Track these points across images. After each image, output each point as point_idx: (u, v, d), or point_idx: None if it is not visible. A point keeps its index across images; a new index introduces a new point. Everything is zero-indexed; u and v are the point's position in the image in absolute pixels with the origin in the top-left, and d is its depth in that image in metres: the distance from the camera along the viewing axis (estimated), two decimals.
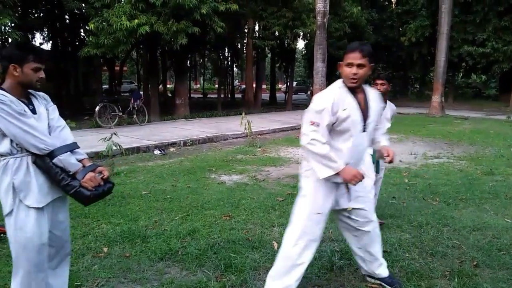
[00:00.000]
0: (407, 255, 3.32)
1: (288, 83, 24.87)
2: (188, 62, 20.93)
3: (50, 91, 19.80)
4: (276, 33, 18.22)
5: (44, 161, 2.07)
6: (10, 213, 2.06)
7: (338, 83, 2.54)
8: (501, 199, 4.96)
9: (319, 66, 11.39)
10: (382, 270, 2.80)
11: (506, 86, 23.61)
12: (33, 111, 2.11)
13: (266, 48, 20.58)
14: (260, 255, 3.31)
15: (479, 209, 4.61)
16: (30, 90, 2.18)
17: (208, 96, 33.38)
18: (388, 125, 3.70)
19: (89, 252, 3.34)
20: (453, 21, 19.19)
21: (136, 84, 30.82)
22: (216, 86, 32.64)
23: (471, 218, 4.23)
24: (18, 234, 2.07)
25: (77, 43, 19.82)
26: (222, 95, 23.82)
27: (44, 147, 2.04)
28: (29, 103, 2.12)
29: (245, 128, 9.27)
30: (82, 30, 20.16)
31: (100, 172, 2.20)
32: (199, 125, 12.75)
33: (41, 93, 2.27)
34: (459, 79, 30.10)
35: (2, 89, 2.05)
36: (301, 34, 18.18)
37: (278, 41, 19.11)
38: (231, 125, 12.27)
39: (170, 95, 28.13)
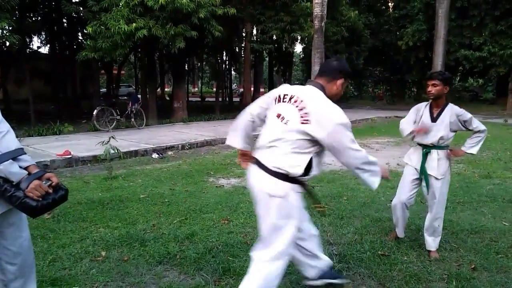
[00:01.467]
0: (405, 258, 3.33)
1: None
2: (186, 66, 20.94)
3: (48, 94, 19.83)
4: (274, 37, 18.30)
5: None
6: None
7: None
8: (498, 202, 4.98)
9: (317, 70, 11.41)
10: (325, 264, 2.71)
11: (503, 90, 23.75)
12: None
13: (264, 51, 20.65)
14: None
15: (476, 212, 4.63)
16: None
17: (206, 99, 33.39)
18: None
19: (87, 256, 3.33)
20: (450, 26, 19.34)
21: (134, 87, 30.82)
22: (214, 89, 32.67)
23: (468, 221, 4.25)
24: None
25: (75, 47, 19.80)
26: (220, 99, 23.84)
27: None
28: None
29: None
30: (80, 34, 20.16)
31: (48, 179, 1.99)
32: (197, 128, 12.76)
33: None
34: (456, 83, 30.23)
35: None
36: (299, 38, 18.27)
37: (276, 45, 19.18)
38: (229, 129, 12.24)
39: (168, 98, 28.14)
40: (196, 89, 48.13)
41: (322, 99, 2.23)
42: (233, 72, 35.75)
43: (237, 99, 30.66)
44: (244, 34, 20.45)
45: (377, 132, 12.84)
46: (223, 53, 25.04)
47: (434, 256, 3.36)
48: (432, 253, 3.40)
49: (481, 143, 3.44)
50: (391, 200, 4.95)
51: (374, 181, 2.31)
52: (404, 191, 3.58)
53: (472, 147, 3.41)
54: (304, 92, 2.25)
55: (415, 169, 3.49)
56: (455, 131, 3.39)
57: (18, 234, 2.07)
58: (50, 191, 1.98)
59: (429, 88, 3.32)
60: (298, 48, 37.78)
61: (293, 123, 2.17)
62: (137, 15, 11.68)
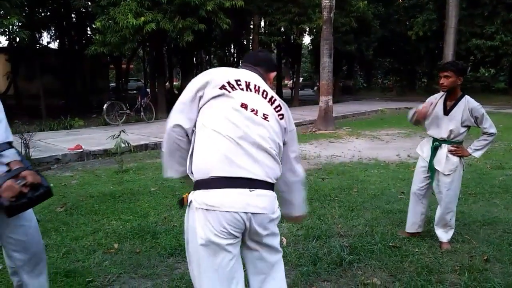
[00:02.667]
0: (416, 250, 3.31)
1: (295, 79, 24.80)
2: (194, 59, 20.94)
3: (58, 89, 19.99)
4: (282, 29, 18.18)
5: None
6: None
7: None
8: (511, 193, 4.91)
9: (326, 61, 11.33)
10: None
11: None
12: None
13: (272, 44, 20.52)
14: None
15: (489, 203, 4.58)
16: None
17: None
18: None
19: (100, 248, 3.37)
20: (461, 15, 18.99)
21: (143, 81, 30.93)
22: None
23: (481, 212, 4.21)
24: None
25: (84, 42, 19.91)
26: None
27: None
28: None
29: None
30: (88, 29, 20.25)
31: (24, 178, 1.87)
32: None
33: None
34: (467, 73, 29.81)
35: None
36: (307, 29, 18.10)
37: (284, 37, 19.05)
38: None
39: (176, 92, 28.20)
40: None
41: None
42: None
43: None
44: (252, 27, 20.36)
45: (387, 123, 12.74)
46: (231, 46, 24.99)
47: (445, 248, 3.33)
48: (443, 244, 3.37)
49: (487, 147, 3.31)
50: (403, 192, 4.96)
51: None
52: (415, 182, 3.55)
53: (477, 150, 3.28)
54: (259, 80, 1.79)
55: (426, 161, 3.42)
56: (467, 126, 3.25)
57: (20, 223, 2.04)
58: (25, 190, 1.86)
59: (442, 80, 3.17)
60: (307, 39, 37.53)
61: (272, 117, 1.73)
62: (145, 9, 11.69)
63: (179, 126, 1.70)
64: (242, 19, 17.78)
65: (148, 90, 17.28)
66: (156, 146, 8.62)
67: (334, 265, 3.05)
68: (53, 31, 21.29)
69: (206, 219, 1.56)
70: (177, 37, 12.42)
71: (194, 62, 22.34)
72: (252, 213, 1.59)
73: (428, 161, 3.38)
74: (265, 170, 1.64)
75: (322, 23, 11.52)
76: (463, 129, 3.24)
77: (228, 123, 1.62)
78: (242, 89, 1.69)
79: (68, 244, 3.44)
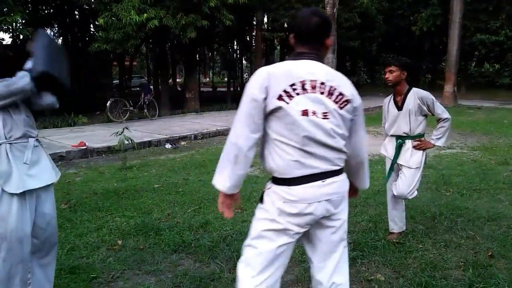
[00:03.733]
0: (420, 246, 3.30)
1: None
2: (197, 56, 20.93)
3: None
4: (285, 25, 18.12)
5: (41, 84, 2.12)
6: None
7: None
8: None
9: (329, 58, 11.29)
10: None
11: None
12: None
13: (275, 40, 20.48)
14: None
15: (493, 199, 4.56)
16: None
17: (218, 89, 33.39)
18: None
19: (104, 245, 3.39)
20: (465, 10, 18.83)
21: (146, 78, 30.98)
22: (226, 79, 32.60)
23: (485, 208, 4.19)
24: (0, 224, 2.06)
25: (87, 39, 19.93)
26: (232, 89, 23.82)
27: (24, 83, 2.07)
28: None
29: None
30: (91, 26, 20.27)
31: None
32: (209, 118, 12.79)
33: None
34: (471, 69, 29.60)
35: None
36: None
37: (287, 33, 18.96)
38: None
39: (179, 89, 28.22)
40: (208, 79, 48.13)
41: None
42: (244, 62, 35.62)
43: None
44: (255, 23, 20.31)
45: None
46: (234, 42, 24.95)
47: (390, 238, 3.39)
48: (390, 235, 3.45)
49: (447, 133, 3.31)
50: None
51: None
52: (391, 181, 3.51)
53: (438, 138, 3.29)
54: (314, 70, 1.72)
55: (391, 159, 3.43)
56: (424, 116, 3.29)
57: (47, 212, 2.26)
58: None
59: (387, 75, 3.26)
60: None
61: (332, 113, 1.77)
62: (148, 6, 11.69)
63: (247, 138, 1.69)
64: (245, 15, 17.74)
65: (151, 87, 17.28)
66: (159, 143, 8.64)
67: None
68: (56, 28, 21.34)
69: (284, 210, 1.70)
70: (180, 34, 12.41)
71: (197, 58, 22.33)
72: (325, 200, 1.73)
73: (392, 159, 3.39)
74: (333, 161, 1.74)
75: None
76: (420, 119, 3.28)
77: (291, 134, 1.66)
78: (298, 94, 1.66)
79: (72, 241, 3.45)
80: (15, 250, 2.09)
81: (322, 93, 1.69)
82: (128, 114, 12.39)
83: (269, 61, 22.49)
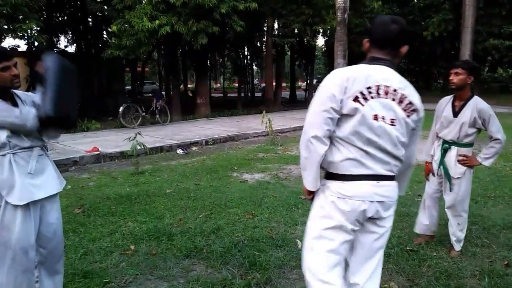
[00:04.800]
0: (434, 254, 3.26)
1: (309, 81, 24.72)
2: (208, 62, 21.07)
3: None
4: (295, 31, 18.13)
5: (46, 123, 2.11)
6: None
7: None
8: None
9: (340, 63, 11.27)
10: None
11: None
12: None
13: (286, 45, 20.50)
14: (284, 253, 3.31)
15: (509, 207, 4.49)
16: (15, 91, 2.17)
17: (228, 95, 33.50)
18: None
19: (116, 250, 3.41)
20: (478, 14, 18.64)
21: (158, 84, 31.23)
22: (236, 85, 32.69)
23: (500, 216, 4.12)
24: (4, 233, 2.06)
25: (100, 45, 20.21)
26: (242, 94, 23.89)
27: (30, 123, 2.07)
28: (14, 105, 2.11)
29: (265, 127, 9.27)
30: (104, 32, 20.55)
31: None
32: (220, 124, 12.83)
33: (26, 93, 2.27)
34: (484, 74, 29.25)
35: None
36: (321, 30, 18.02)
37: (297, 39, 19.03)
38: (251, 124, 12.29)
39: (190, 94, 28.36)
40: (218, 85, 48.33)
41: None
42: (254, 67, 35.72)
43: (259, 94, 30.64)
44: (265, 29, 20.37)
45: None
46: (245, 48, 25.06)
47: (452, 255, 3.24)
48: (452, 251, 3.30)
49: (496, 155, 3.15)
50: (419, 195, 4.88)
51: None
52: (430, 184, 3.49)
53: (486, 158, 3.15)
54: (389, 77, 1.77)
55: (437, 163, 3.35)
56: (477, 128, 3.15)
57: (52, 222, 2.26)
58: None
59: (451, 77, 3.12)
60: (320, 41, 37.46)
61: (399, 121, 1.82)
62: (160, 12, 11.82)
63: (324, 137, 1.75)
64: (255, 21, 17.80)
65: (163, 92, 17.42)
66: (171, 149, 8.69)
67: None
68: (70, 35, 21.69)
69: (337, 206, 1.77)
70: (191, 40, 12.51)
71: (208, 64, 22.48)
72: (377, 201, 1.77)
73: (438, 163, 3.32)
74: (390, 168, 1.80)
75: (336, 24, 11.47)
76: (471, 130, 3.15)
77: (357, 135, 1.73)
78: (372, 97, 1.72)
79: (86, 245, 3.49)
80: (20, 259, 2.09)
81: (393, 99, 1.75)
82: (140, 120, 12.50)
83: (279, 67, 22.50)
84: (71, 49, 22.62)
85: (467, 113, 3.12)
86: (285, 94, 26.73)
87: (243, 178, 5.97)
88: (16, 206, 2.06)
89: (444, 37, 24.04)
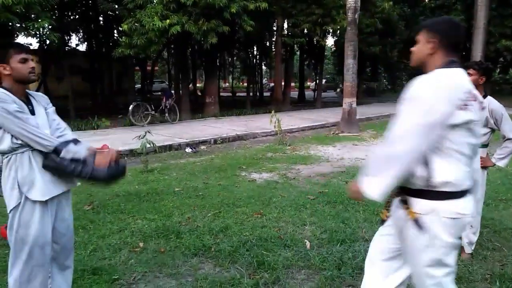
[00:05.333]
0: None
1: (318, 81, 24.63)
2: (217, 61, 21.13)
3: (86, 90, 20.53)
4: (305, 30, 18.08)
5: (53, 160, 2.10)
6: (17, 207, 2.07)
7: None
8: None
9: (350, 63, 11.22)
10: None
11: None
12: (32, 112, 2.14)
13: (295, 45, 20.45)
14: (293, 253, 3.30)
15: None
16: (29, 92, 2.22)
17: (237, 94, 33.54)
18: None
19: (125, 247, 3.43)
20: (490, 15, 18.39)
21: (167, 83, 31.37)
22: (245, 84, 32.70)
23: (511, 219, 4.06)
24: (22, 230, 2.08)
25: (111, 44, 20.35)
26: (251, 94, 23.89)
27: (48, 143, 2.07)
28: (28, 104, 2.15)
29: (274, 126, 9.26)
30: (115, 31, 20.70)
31: (109, 152, 2.26)
32: (228, 123, 12.85)
33: (40, 94, 2.33)
34: (496, 75, 28.89)
35: (3, 87, 2.08)
36: (331, 30, 17.94)
37: (307, 38, 18.98)
38: (260, 123, 12.29)
39: (199, 93, 28.44)
40: (227, 84, 48.41)
41: None
42: (263, 67, 35.69)
43: (268, 94, 30.61)
44: (275, 28, 20.35)
45: None
46: (254, 48, 25.05)
47: (464, 257, 3.20)
48: (463, 254, 3.24)
49: (510, 155, 3.13)
50: None
51: None
52: None
53: (500, 158, 3.13)
54: (468, 80, 1.76)
55: None
56: (490, 128, 3.13)
57: (67, 217, 2.32)
58: (113, 161, 2.22)
59: None
60: (330, 41, 37.32)
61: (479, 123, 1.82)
62: (170, 12, 11.86)
63: (418, 153, 1.62)
64: (265, 21, 17.79)
65: (173, 91, 17.50)
66: (180, 147, 8.73)
67: (360, 270, 3.00)
68: (81, 34, 21.87)
69: (452, 225, 1.66)
70: (201, 39, 12.55)
71: (217, 64, 22.54)
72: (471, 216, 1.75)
73: None
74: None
75: (347, 25, 11.41)
76: (485, 130, 3.11)
77: (465, 144, 1.66)
78: (471, 104, 1.65)
79: (95, 242, 3.51)
80: (36, 255, 2.12)
81: (477, 103, 1.70)
82: (149, 118, 12.57)
83: (288, 66, 22.45)
84: (82, 47, 22.82)
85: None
86: (294, 94, 26.66)
87: (252, 178, 5.97)
88: (35, 202, 2.09)
89: None
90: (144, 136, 6.41)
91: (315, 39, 18.77)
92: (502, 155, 3.14)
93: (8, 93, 2.04)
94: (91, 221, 4.03)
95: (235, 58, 33.40)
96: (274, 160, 7.23)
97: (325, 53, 27.37)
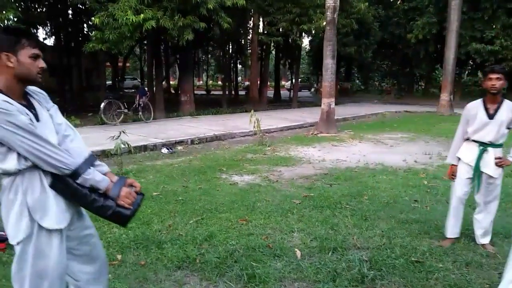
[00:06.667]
0: (440, 265, 3.11)
1: (294, 80, 24.62)
2: (194, 58, 20.74)
3: (53, 86, 19.68)
4: (281, 30, 17.96)
5: (66, 183, 1.70)
6: (28, 238, 1.69)
7: None
8: None
9: (329, 63, 11.14)
10: None
11: None
12: (36, 118, 1.72)
13: (272, 44, 20.33)
14: (283, 264, 3.11)
15: (506, 214, 4.40)
16: (27, 90, 1.78)
17: (212, 93, 33.15)
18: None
19: None
20: (461, 18, 18.88)
21: (139, 80, 30.61)
22: (219, 82, 32.35)
23: (500, 224, 4.01)
24: (39, 262, 1.71)
25: (80, 38, 19.60)
26: (226, 92, 23.61)
27: (64, 166, 1.67)
28: (30, 107, 1.72)
29: (254, 126, 9.05)
30: (85, 25, 19.95)
31: (131, 185, 1.89)
32: (205, 122, 12.54)
33: (36, 89, 1.86)
34: (465, 77, 29.79)
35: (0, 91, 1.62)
36: (311, 30, 17.87)
37: (283, 37, 18.87)
38: (238, 123, 12.06)
39: (173, 91, 27.90)
40: (201, 82, 47.87)
41: None
42: (238, 66, 35.43)
43: (243, 93, 30.40)
44: (250, 26, 20.14)
45: (388, 127, 12.56)
46: (229, 46, 24.76)
47: (489, 249, 3.41)
48: (487, 246, 3.48)
49: None
50: (416, 200, 4.77)
51: None
52: (460, 186, 3.52)
53: None
54: None
55: (470, 165, 3.43)
56: (509, 129, 3.34)
57: (86, 233, 1.95)
58: (135, 197, 1.87)
59: (493, 82, 3.22)
60: (305, 41, 37.48)
61: None
62: (145, 6, 11.43)
63: None
64: (241, 18, 17.55)
65: (146, 89, 16.99)
66: (156, 148, 8.38)
67: (355, 282, 2.84)
68: (49, 27, 20.98)
69: None
70: (177, 36, 12.18)
71: (193, 61, 22.13)
72: None
73: (474, 165, 3.39)
74: None
75: (326, 24, 11.33)
76: (506, 131, 3.33)
77: None
78: None
79: None
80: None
81: None
82: (122, 117, 12.08)
83: (264, 66, 22.31)
84: (50, 41, 21.90)
85: (504, 114, 3.28)
86: (269, 93, 26.56)
87: (233, 180, 5.74)
88: (50, 230, 1.72)
89: (427, 40, 24.36)
90: (119, 136, 6.07)
91: (291, 38, 18.71)
92: None
93: (10, 100, 1.59)
94: None
95: (209, 56, 32.98)
96: (254, 162, 7.02)
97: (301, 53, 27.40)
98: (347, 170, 6.48)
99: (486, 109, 3.34)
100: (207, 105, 18.29)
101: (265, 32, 18.81)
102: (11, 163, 1.62)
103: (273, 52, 25.64)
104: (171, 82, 34.02)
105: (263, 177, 5.93)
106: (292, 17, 16.47)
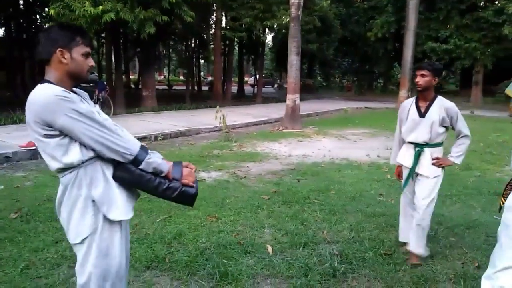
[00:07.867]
0: (407, 257, 3.19)
1: (257, 76, 24.64)
2: (155, 52, 20.24)
3: (3, 80, 18.60)
4: (244, 25, 17.91)
5: (129, 171, 1.66)
6: (92, 234, 1.64)
7: None
8: (485, 195, 4.98)
9: (294, 59, 11.22)
10: None
11: (466, 82, 24.50)
12: None
13: (235, 39, 20.23)
14: (255, 260, 3.08)
15: (465, 205, 4.60)
16: (75, 89, 1.76)
17: (174, 88, 32.57)
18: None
19: (64, 262, 2.98)
20: (418, 18, 19.60)
21: (97, 74, 29.54)
22: (181, 77, 31.83)
23: (460, 215, 4.20)
24: (104, 262, 1.67)
25: (33, 30, 18.61)
26: (189, 87, 23.26)
27: (128, 152, 1.63)
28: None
29: (219, 122, 8.96)
30: (38, 16, 18.97)
31: (187, 166, 1.85)
32: (168, 118, 12.28)
33: (81, 90, 1.84)
34: (442, 74, 31.02)
35: (51, 82, 1.61)
36: (273, 26, 17.93)
37: (247, 33, 18.84)
38: (202, 119, 11.90)
39: (133, 86, 27.17)
40: (162, 77, 46.91)
41: None
42: (201, 61, 35.01)
43: (206, 88, 30.10)
44: (213, 21, 19.94)
45: (351, 123, 12.84)
46: (191, 40, 24.39)
47: (413, 262, 3.08)
48: (413, 257, 3.11)
49: (465, 152, 3.15)
50: (381, 194, 4.89)
51: None
52: (407, 191, 3.31)
53: (458, 156, 3.14)
54: None
55: (409, 168, 3.21)
56: (445, 127, 3.13)
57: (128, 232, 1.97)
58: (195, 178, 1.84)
59: (417, 79, 3.07)
60: (268, 37, 37.59)
61: None
62: None
63: None
64: (204, 12, 17.32)
65: (105, 83, 16.41)
66: None
67: (328, 276, 2.86)
68: None
69: None
70: (137, 29, 11.82)
71: (154, 55, 21.57)
72: None
73: (411, 168, 3.18)
74: None
75: (290, 21, 11.40)
76: (441, 130, 3.11)
77: None
78: None
79: (27, 257, 3.01)
80: None
81: None
82: None
83: (228, 61, 22.17)
84: (0, 33, 20.67)
85: (434, 111, 3.08)
86: (233, 89, 26.46)
87: (200, 177, 5.64)
88: (113, 223, 1.68)
89: (386, 38, 25.09)
90: None
91: (255, 34, 18.70)
92: (459, 153, 3.14)
93: (67, 90, 1.59)
94: (20, 232, 3.48)
95: (170, 50, 32.36)
96: (221, 158, 6.95)
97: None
98: (313, 165, 6.55)
99: (418, 107, 3.16)
100: (170, 100, 17.93)
101: (228, 27, 18.68)
102: (75, 155, 1.59)
103: (236, 47, 25.55)
104: (131, 77, 33.09)
105: (231, 173, 5.88)
106: (255, 13, 16.46)
